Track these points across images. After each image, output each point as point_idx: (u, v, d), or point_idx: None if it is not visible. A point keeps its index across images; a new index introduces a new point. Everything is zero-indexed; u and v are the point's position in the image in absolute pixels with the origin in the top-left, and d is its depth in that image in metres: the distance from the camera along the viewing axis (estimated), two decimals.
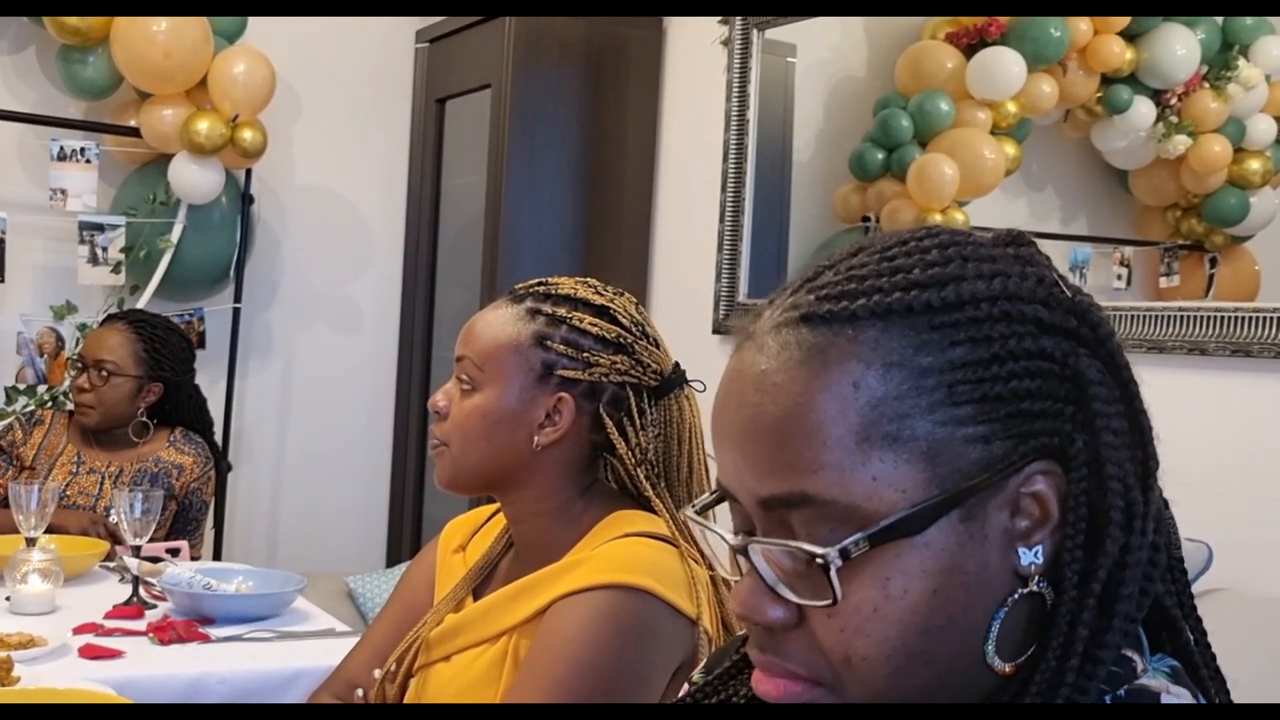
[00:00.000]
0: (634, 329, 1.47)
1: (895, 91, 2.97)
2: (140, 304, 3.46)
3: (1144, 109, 2.67)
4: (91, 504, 2.80)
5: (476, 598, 1.50)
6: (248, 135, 3.43)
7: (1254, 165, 2.53)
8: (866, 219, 3.03)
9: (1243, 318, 2.15)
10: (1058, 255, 0.75)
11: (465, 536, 1.61)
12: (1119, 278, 2.74)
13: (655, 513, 1.45)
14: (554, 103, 3.46)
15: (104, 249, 3.49)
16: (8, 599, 2.17)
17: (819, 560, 0.65)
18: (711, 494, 0.75)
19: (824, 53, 3.24)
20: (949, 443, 0.66)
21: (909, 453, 0.65)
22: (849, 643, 0.66)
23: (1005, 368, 0.67)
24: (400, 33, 4.02)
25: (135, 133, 3.49)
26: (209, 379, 3.37)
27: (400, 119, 4.05)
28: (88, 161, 3.45)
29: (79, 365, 2.87)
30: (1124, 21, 2.67)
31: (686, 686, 0.86)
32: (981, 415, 0.66)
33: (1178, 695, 0.70)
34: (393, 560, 4.01)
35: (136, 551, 2.28)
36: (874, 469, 0.65)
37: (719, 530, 0.72)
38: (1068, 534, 0.68)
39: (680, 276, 3.44)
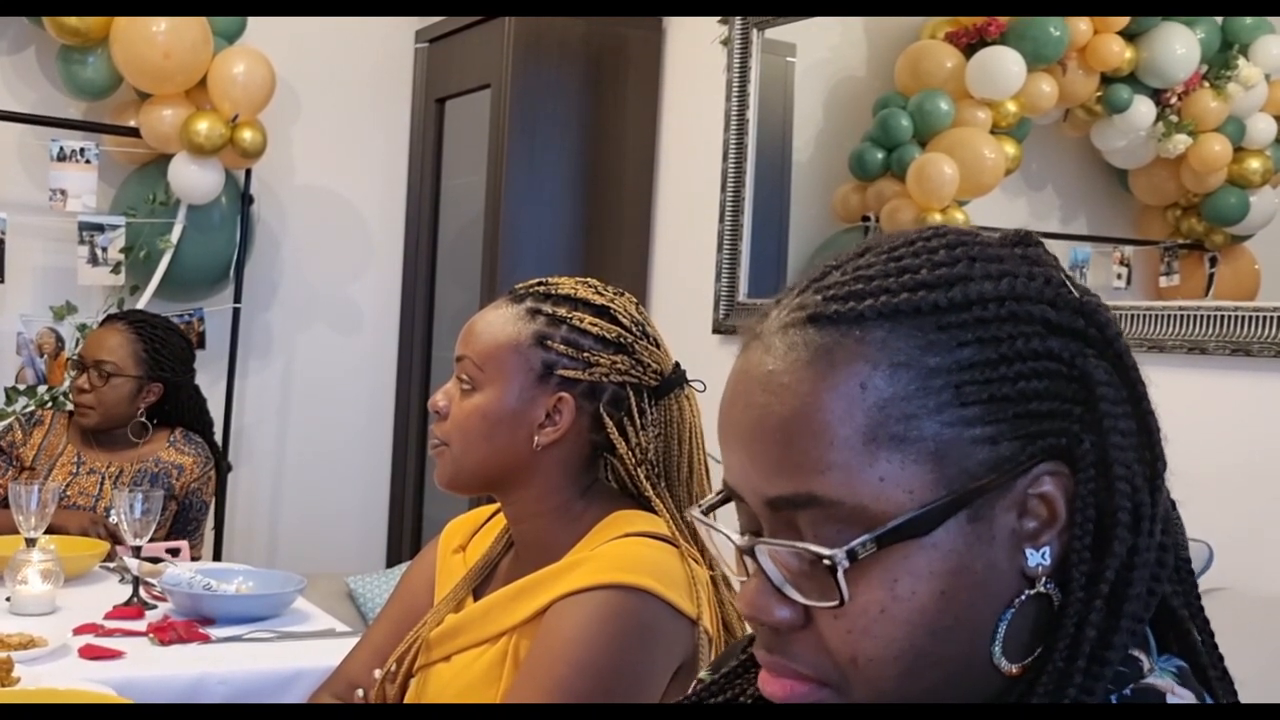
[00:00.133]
0: (634, 329, 1.47)
1: (895, 91, 2.97)
2: (140, 304, 3.46)
3: (1144, 108, 2.67)
4: (91, 504, 2.79)
5: (477, 598, 1.50)
6: (247, 135, 3.43)
7: (1254, 164, 2.53)
8: (866, 219, 3.03)
9: (1242, 317, 2.15)
10: (1058, 255, 0.75)
11: (465, 537, 1.61)
12: (1119, 277, 2.74)
13: (655, 513, 1.45)
14: (554, 103, 3.46)
15: (104, 249, 3.49)
16: (8, 599, 2.17)
17: (826, 561, 0.65)
18: (718, 494, 0.75)
19: (824, 52, 3.24)
20: (956, 443, 0.66)
21: (916, 453, 0.65)
22: (856, 644, 0.66)
23: (1013, 368, 0.67)
24: (400, 33, 4.02)
25: (135, 133, 3.49)
26: (209, 379, 3.37)
27: (400, 119, 4.05)
28: (87, 162, 3.45)
29: (79, 366, 2.87)
30: (1123, 21, 2.67)
31: (695, 685, 0.86)
32: (989, 416, 0.66)
33: (1182, 696, 0.70)
34: (393, 560, 4.01)
35: (137, 552, 2.28)
36: (881, 470, 0.65)
37: (725, 530, 0.71)
38: (1075, 535, 0.68)
39: (680, 276, 3.44)
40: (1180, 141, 2.59)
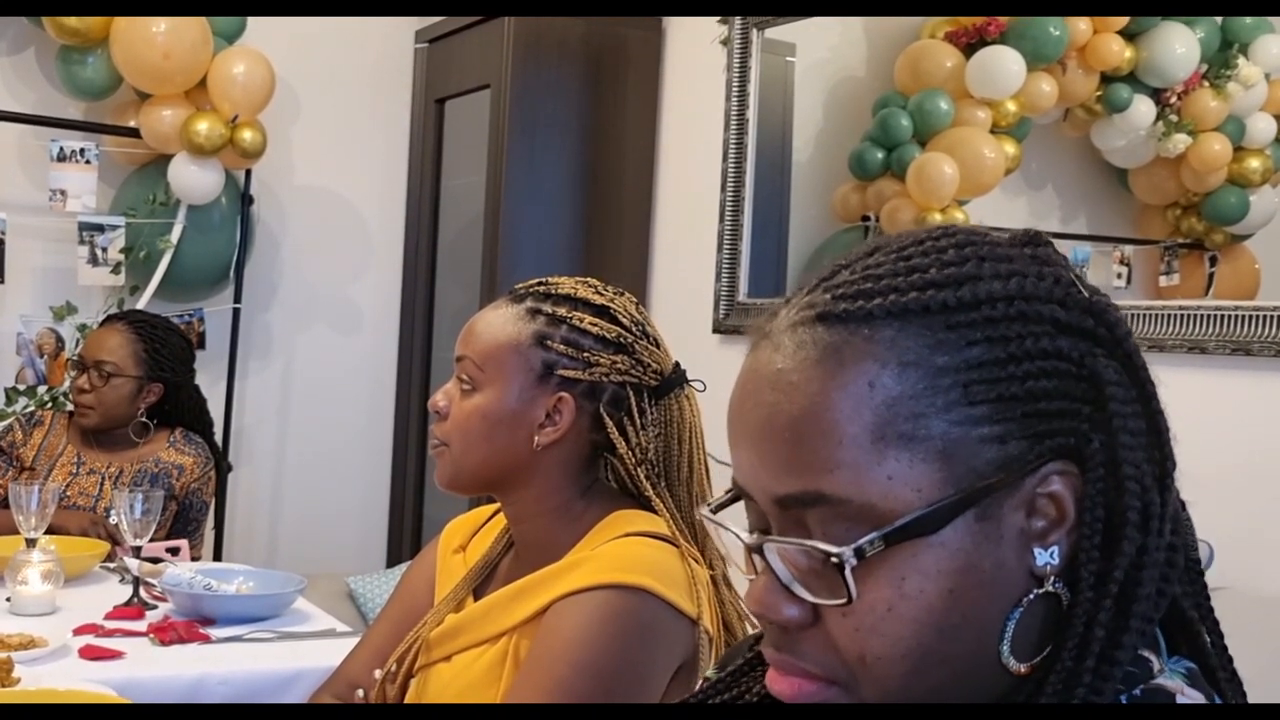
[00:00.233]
0: (634, 329, 1.47)
1: (895, 91, 2.97)
2: (140, 305, 3.46)
3: (1144, 108, 2.67)
4: (91, 505, 2.79)
5: (477, 598, 1.51)
6: (247, 136, 3.43)
7: (1254, 164, 2.53)
8: (866, 218, 3.03)
9: (1243, 316, 2.15)
10: None
11: (465, 537, 1.61)
12: (1119, 276, 2.74)
13: (655, 512, 1.45)
14: (554, 103, 3.46)
15: (104, 250, 3.49)
16: (8, 600, 2.17)
17: (834, 559, 0.65)
18: (727, 493, 0.75)
19: (823, 52, 3.24)
20: (965, 442, 0.66)
21: (924, 452, 0.65)
22: (864, 642, 0.66)
23: (1021, 368, 0.67)
24: (400, 33, 4.01)
25: (135, 133, 3.49)
26: (209, 379, 3.37)
27: (400, 119, 4.05)
28: (87, 162, 3.45)
29: (79, 366, 2.87)
30: (1123, 20, 2.67)
31: (700, 683, 0.86)
32: (997, 415, 0.66)
33: (1192, 698, 0.69)
34: (393, 560, 4.01)
35: (137, 552, 2.28)
36: (889, 468, 0.65)
37: (733, 529, 0.71)
38: (1084, 534, 0.67)
39: (680, 276, 3.44)
40: (1180, 141, 2.59)
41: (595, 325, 1.45)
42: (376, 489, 4.11)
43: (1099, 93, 2.72)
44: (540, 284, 1.49)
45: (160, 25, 3.31)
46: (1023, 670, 0.68)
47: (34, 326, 3.60)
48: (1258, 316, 2.13)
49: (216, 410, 3.27)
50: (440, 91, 3.89)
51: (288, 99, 3.78)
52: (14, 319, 3.59)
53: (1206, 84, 2.59)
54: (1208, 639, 0.74)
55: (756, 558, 0.70)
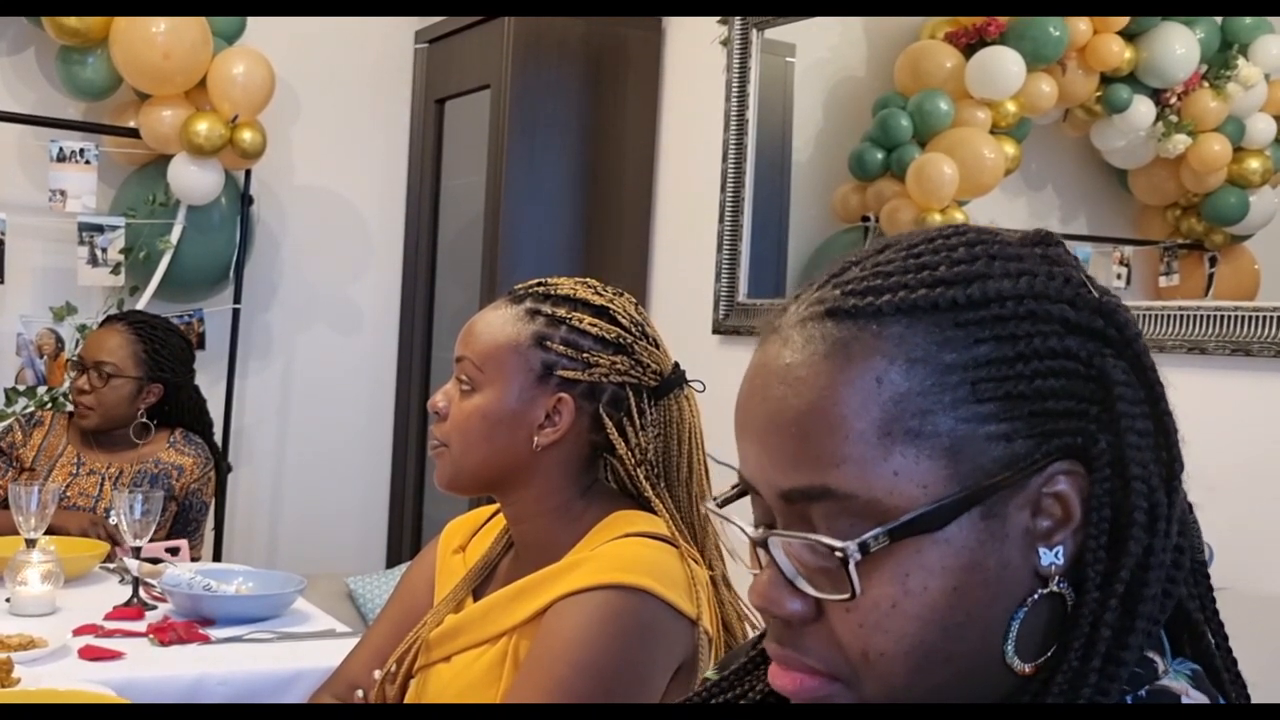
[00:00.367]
0: (633, 329, 1.47)
1: (894, 91, 2.97)
2: (140, 305, 3.46)
3: (1143, 108, 2.67)
4: (91, 505, 2.79)
5: (476, 598, 1.51)
6: (247, 136, 3.43)
7: (1253, 164, 2.53)
8: (866, 219, 3.03)
9: (1242, 317, 2.15)
10: None
11: (465, 537, 1.61)
12: (1118, 277, 2.74)
13: (655, 513, 1.45)
14: (553, 103, 3.46)
15: (103, 250, 3.49)
16: (8, 600, 2.17)
17: (838, 553, 0.65)
18: (733, 487, 0.75)
19: (823, 52, 3.24)
20: (971, 440, 0.66)
21: (931, 449, 0.65)
22: (867, 638, 0.66)
23: (1029, 366, 0.67)
24: (400, 33, 4.01)
25: (134, 134, 3.49)
26: (209, 380, 3.37)
27: (400, 119, 4.05)
28: (87, 163, 3.45)
29: (79, 366, 2.87)
30: (1123, 21, 2.67)
31: (701, 683, 0.86)
32: (1004, 413, 0.66)
33: (1196, 699, 0.69)
34: (393, 561, 4.01)
35: (136, 553, 2.28)
36: (895, 464, 0.65)
37: (738, 523, 0.71)
38: (1090, 534, 0.67)
39: (680, 276, 3.44)
40: (1180, 141, 2.59)
41: (595, 326, 1.45)
42: (376, 489, 4.11)
43: (1099, 93, 2.72)
44: (540, 284, 1.49)
45: (160, 25, 3.31)
46: (1027, 670, 0.68)
47: (34, 327, 3.60)
48: (1257, 317, 2.13)
49: (216, 410, 3.28)
50: (440, 92, 3.89)
51: (288, 99, 3.78)
52: (14, 319, 3.59)
53: (1206, 84, 2.59)
54: (1213, 641, 0.74)
55: (761, 552, 0.70)
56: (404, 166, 4.07)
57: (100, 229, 3.49)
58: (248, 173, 3.64)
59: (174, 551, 2.56)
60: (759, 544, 0.69)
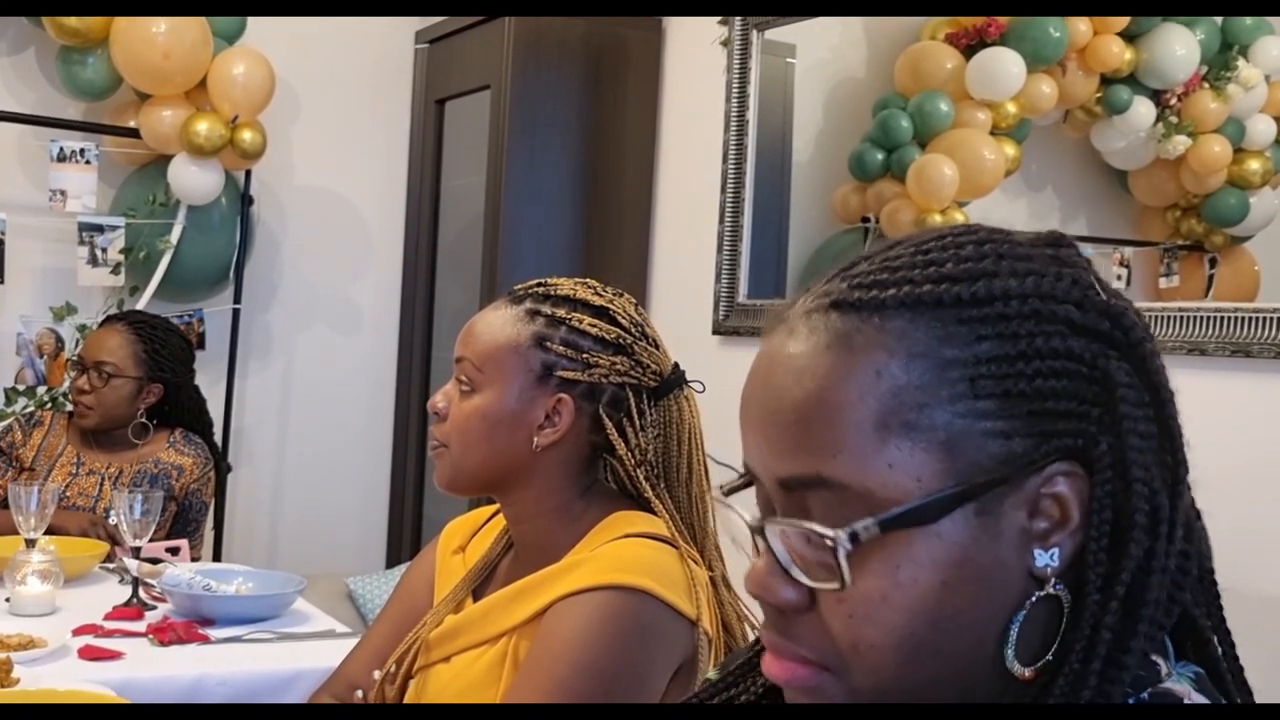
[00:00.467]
0: (633, 330, 1.47)
1: (895, 92, 2.97)
2: (140, 305, 3.46)
3: (1143, 109, 2.67)
4: (91, 505, 2.79)
5: (476, 599, 1.50)
6: (247, 136, 3.43)
7: (1253, 165, 2.53)
8: (866, 219, 3.03)
9: (1242, 318, 2.15)
10: None
11: (465, 537, 1.61)
12: (1118, 278, 2.74)
13: (655, 513, 1.45)
14: (554, 103, 3.46)
15: (103, 250, 3.49)
16: (7, 600, 2.17)
17: (828, 542, 0.65)
18: (740, 477, 0.75)
19: (823, 53, 3.24)
20: (968, 435, 0.66)
21: (927, 442, 0.66)
22: (857, 629, 0.67)
23: (1031, 365, 0.67)
24: (400, 33, 4.02)
25: (135, 134, 3.49)
26: (209, 380, 3.37)
27: (400, 120, 4.05)
28: (87, 163, 3.45)
29: (79, 366, 2.87)
30: (1123, 22, 2.67)
31: (702, 683, 0.86)
32: (1003, 411, 0.66)
33: (1199, 702, 0.69)
34: (393, 561, 4.01)
35: (136, 553, 2.28)
36: (891, 456, 0.66)
37: (738, 510, 0.72)
38: (1091, 536, 0.67)
39: (680, 277, 3.44)
40: (1180, 142, 2.59)
41: (594, 326, 1.45)
42: (376, 489, 4.11)
43: (1099, 94, 2.72)
44: (539, 285, 1.49)
45: (160, 25, 3.31)
46: (1028, 675, 0.68)
47: (34, 327, 3.60)
48: (1257, 318, 2.13)
49: (216, 410, 3.28)
50: (440, 92, 3.89)
51: (288, 99, 3.78)
52: (14, 319, 3.59)
53: (1206, 86, 2.59)
54: (1218, 648, 0.73)
55: (759, 540, 0.70)
56: (404, 167, 4.07)
57: (100, 229, 3.49)
58: (248, 173, 3.64)
59: (175, 551, 2.56)
60: (756, 531, 0.70)
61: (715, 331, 3.22)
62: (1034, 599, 0.68)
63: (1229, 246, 2.56)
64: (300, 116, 3.92)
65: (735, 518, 0.71)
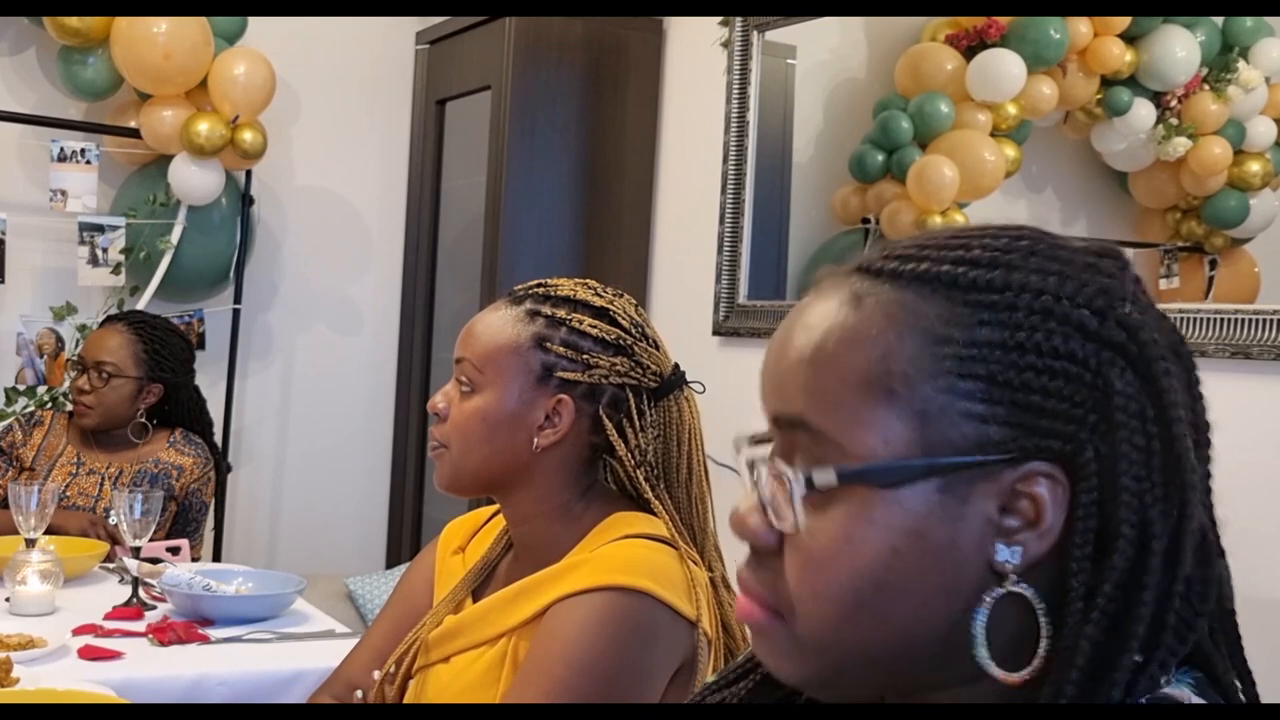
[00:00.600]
0: (633, 330, 1.47)
1: (895, 93, 2.97)
2: (140, 305, 3.46)
3: (1144, 111, 2.67)
4: (91, 505, 2.79)
5: (476, 599, 1.51)
6: (248, 136, 3.43)
7: (1254, 167, 2.53)
8: (866, 220, 3.03)
9: (1243, 320, 2.15)
10: None
11: (465, 538, 1.61)
12: None
13: (655, 514, 1.45)
14: (554, 104, 3.46)
15: (104, 250, 3.49)
16: (7, 600, 2.17)
17: (786, 481, 0.68)
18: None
19: (824, 54, 3.24)
20: (945, 412, 0.67)
21: (902, 411, 0.67)
22: (808, 578, 0.68)
23: (1025, 358, 0.67)
24: (400, 34, 4.02)
25: (135, 134, 3.49)
26: (209, 380, 3.37)
27: (400, 120, 4.05)
28: (88, 163, 3.45)
29: (79, 366, 2.88)
30: (1124, 23, 2.67)
31: (703, 687, 0.87)
32: (985, 395, 0.67)
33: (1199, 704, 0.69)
34: (392, 561, 4.01)
35: (136, 553, 2.28)
36: (867, 415, 0.67)
37: (732, 466, 0.75)
38: (1075, 543, 0.67)
39: (680, 278, 3.44)
40: (1180, 144, 2.59)
41: (594, 327, 1.45)
42: (376, 489, 4.11)
43: (1099, 96, 2.72)
44: (539, 286, 1.49)
45: (161, 25, 3.31)
46: (1014, 680, 0.68)
47: (34, 327, 3.60)
48: (1258, 320, 2.13)
49: (216, 410, 3.28)
50: (441, 93, 3.89)
51: (288, 99, 3.78)
52: (14, 319, 3.59)
53: (1207, 87, 2.59)
54: (1236, 683, 0.72)
55: (751, 476, 0.73)
56: (404, 167, 4.08)
57: (101, 229, 3.49)
58: (248, 173, 3.65)
59: (175, 551, 2.56)
60: (748, 466, 0.73)
61: (715, 332, 3.22)
62: (995, 595, 0.67)
63: (1229, 248, 2.56)
64: (301, 117, 3.92)
65: (742, 459, 0.74)
